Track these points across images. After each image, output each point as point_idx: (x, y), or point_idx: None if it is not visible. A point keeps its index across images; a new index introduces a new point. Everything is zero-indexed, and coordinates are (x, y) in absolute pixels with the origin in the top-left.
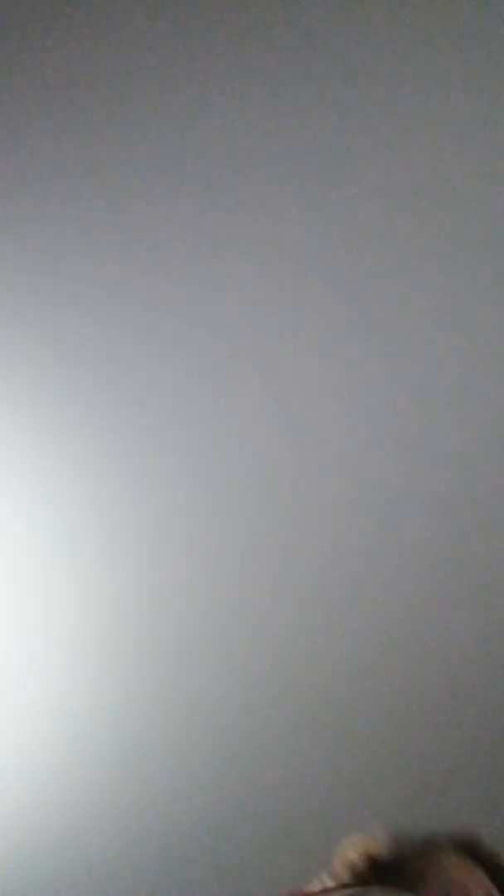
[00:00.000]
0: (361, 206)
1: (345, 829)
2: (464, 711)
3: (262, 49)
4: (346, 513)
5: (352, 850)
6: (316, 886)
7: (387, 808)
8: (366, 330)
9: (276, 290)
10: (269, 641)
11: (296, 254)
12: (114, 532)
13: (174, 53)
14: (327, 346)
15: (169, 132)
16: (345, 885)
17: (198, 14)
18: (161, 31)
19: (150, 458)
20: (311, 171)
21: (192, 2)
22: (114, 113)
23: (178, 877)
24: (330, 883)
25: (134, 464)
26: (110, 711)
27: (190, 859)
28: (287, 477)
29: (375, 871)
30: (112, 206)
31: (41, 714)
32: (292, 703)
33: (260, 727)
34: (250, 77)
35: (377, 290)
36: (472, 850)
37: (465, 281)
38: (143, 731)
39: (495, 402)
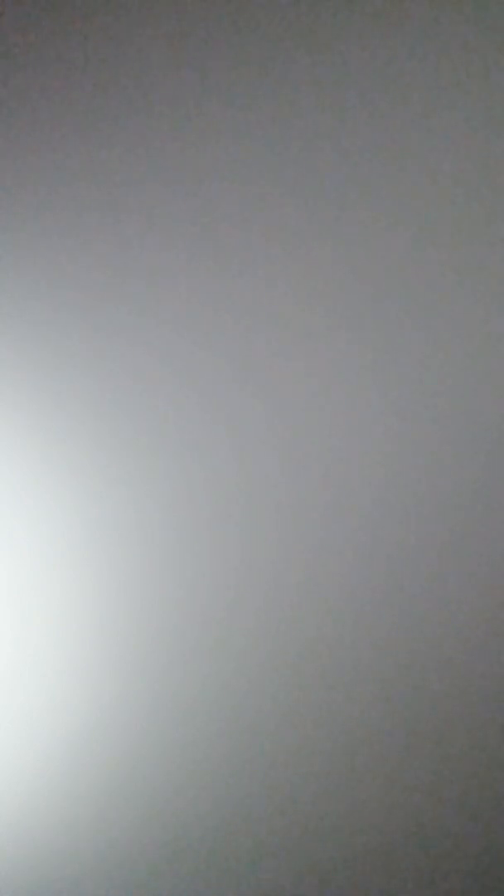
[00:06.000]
0: (364, 220)
1: (347, 828)
2: (465, 712)
3: (263, 60)
4: (344, 523)
5: None
6: None
7: (388, 808)
8: (364, 342)
9: (276, 301)
10: (269, 644)
11: (296, 266)
12: (114, 532)
13: (176, 64)
14: (326, 359)
15: (170, 144)
16: None
17: (198, 24)
18: (162, 46)
19: (150, 459)
20: (313, 186)
21: (192, 12)
22: (114, 126)
23: (179, 877)
24: None
25: (134, 465)
26: (110, 711)
27: (191, 859)
28: (285, 483)
29: None
30: (112, 215)
31: (41, 714)
32: (292, 708)
33: (261, 728)
34: (252, 86)
35: (377, 305)
36: None
37: (467, 296)
38: (144, 731)
39: (496, 422)
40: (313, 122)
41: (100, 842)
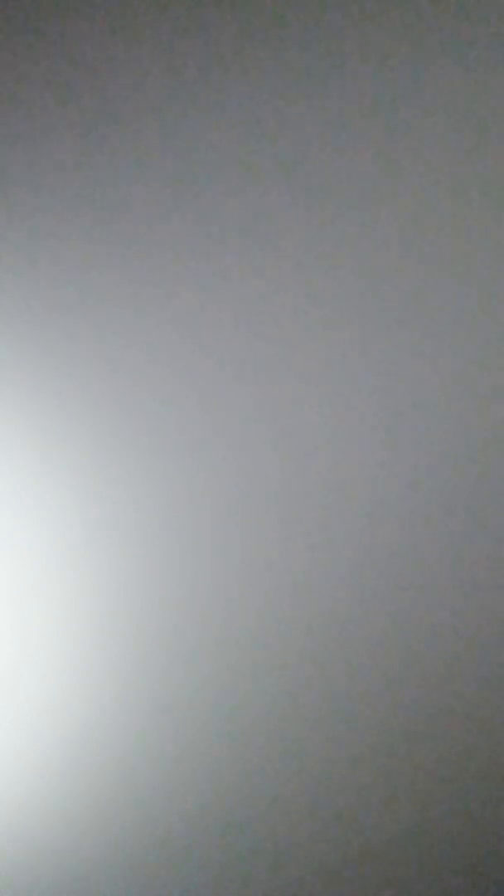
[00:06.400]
0: (364, 222)
1: (347, 828)
2: (465, 713)
3: (263, 60)
4: (344, 523)
5: None
6: None
7: (388, 808)
8: (364, 343)
9: (276, 301)
10: (269, 644)
11: (295, 267)
12: (114, 532)
13: (176, 63)
14: (325, 359)
15: (170, 144)
16: None
17: (199, 23)
18: (162, 47)
19: (150, 459)
20: (313, 186)
21: (193, 13)
22: (114, 126)
23: (179, 877)
24: None
25: (134, 465)
26: (110, 711)
27: (191, 859)
28: (285, 483)
29: None
30: (112, 216)
31: (41, 714)
32: (292, 708)
33: (261, 727)
34: (252, 87)
35: (376, 307)
36: None
37: (468, 297)
38: (144, 731)
39: (496, 423)
40: (313, 123)
41: (100, 842)
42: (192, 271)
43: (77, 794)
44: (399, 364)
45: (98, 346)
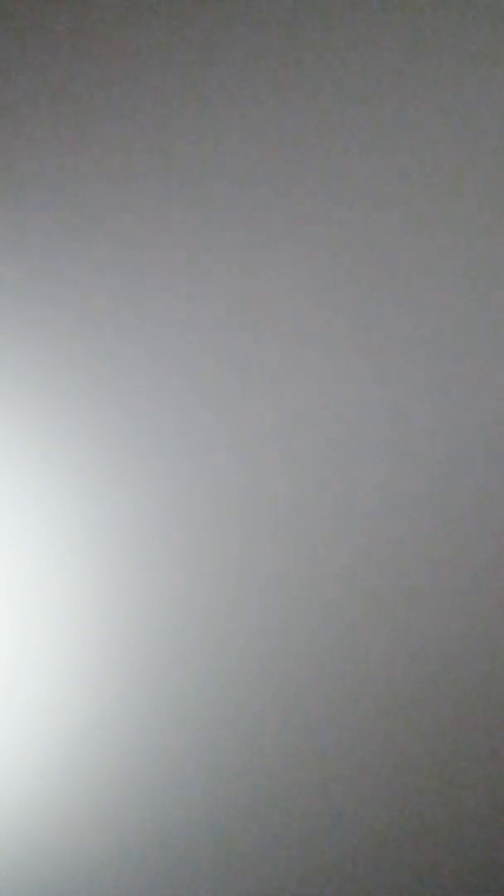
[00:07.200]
0: (364, 220)
1: (347, 828)
2: (466, 713)
3: (264, 57)
4: (345, 523)
5: None
6: None
7: (389, 808)
8: (365, 342)
9: (276, 300)
10: (269, 643)
11: (296, 266)
12: (114, 532)
13: (176, 61)
14: (326, 358)
15: (171, 143)
16: None
17: (199, 21)
18: (162, 44)
19: (150, 459)
20: (314, 186)
21: (193, 12)
22: (114, 125)
23: (179, 877)
24: None
25: (134, 465)
26: (110, 711)
27: (191, 859)
28: (286, 483)
29: None
30: (112, 215)
31: (41, 714)
32: (292, 707)
33: (261, 727)
34: (253, 85)
35: (378, 306)
36: None
37: (468, 297)
38: (144, 731)
39: (496, 422)
40: (314, 121)
41: (100, 842)
42: (193, 271)
43: (77, 794)
44: (401, 365)
45: (98, 346)
